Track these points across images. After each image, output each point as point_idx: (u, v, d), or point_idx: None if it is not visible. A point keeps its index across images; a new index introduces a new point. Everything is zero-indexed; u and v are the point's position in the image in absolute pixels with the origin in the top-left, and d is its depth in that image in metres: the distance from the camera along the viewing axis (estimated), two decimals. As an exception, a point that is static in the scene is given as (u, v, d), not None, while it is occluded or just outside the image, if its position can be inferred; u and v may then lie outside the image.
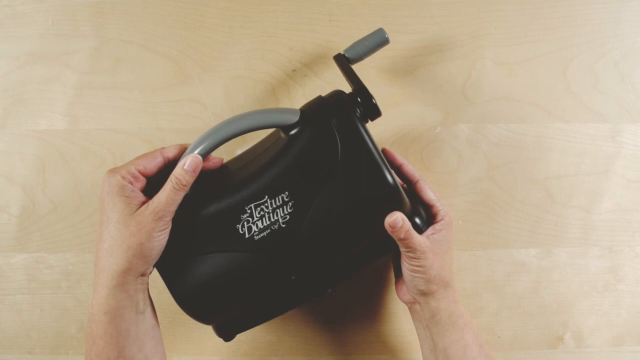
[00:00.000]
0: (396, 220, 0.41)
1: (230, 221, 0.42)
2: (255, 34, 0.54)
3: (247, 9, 0.54)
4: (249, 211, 0.42)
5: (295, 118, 0.42)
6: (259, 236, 0.42)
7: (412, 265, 0.44)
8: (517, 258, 0.55)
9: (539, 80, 0.55)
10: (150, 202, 0.40)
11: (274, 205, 0.42)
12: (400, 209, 0.42)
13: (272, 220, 0.42)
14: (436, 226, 0.46)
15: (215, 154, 0.43)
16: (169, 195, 0.40)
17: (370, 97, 0.43)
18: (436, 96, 0.54)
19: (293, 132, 0.42)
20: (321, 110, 0.43)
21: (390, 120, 0.54)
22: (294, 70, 0.54)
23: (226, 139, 0.41)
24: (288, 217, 0.41)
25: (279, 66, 0.54)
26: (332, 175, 0.41)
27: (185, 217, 0.42)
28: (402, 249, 0.43)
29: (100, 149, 0.55)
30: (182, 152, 0.43)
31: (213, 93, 0.54)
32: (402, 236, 0.42)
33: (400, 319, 0.55)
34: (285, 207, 0.42)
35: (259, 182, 0.42)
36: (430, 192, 0.47)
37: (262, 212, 0.42)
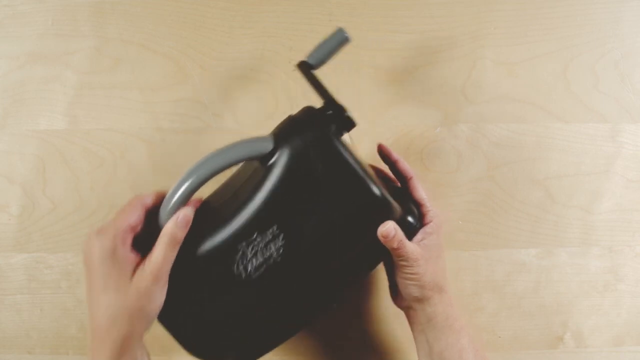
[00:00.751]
0: (388, 229, 0.41)
1: (224, 263, 0.41)
2: (255, 34, 0.54)
3: (247, 9, 0.54)
4: (241, 250, 0.41)
5: (269, 146, 0.41)
6: (257, 273, 0.41)
7: (405, 273, 0.44)
8: (517, 258, 0.55)
9: (539, 80, 0.55)
10: (147, 263, 0.39)
11: (266, 241, 0.41)
12: (391, 216, 0.42)
13: (267, 255, 0.41)
14: (426, 229, 0.45)
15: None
16: (165, 253, 0.39)
17: (342, 110, 0.42)
18: (436, 96, 0.54)
19: (269, 161, 0.41)
20: (293, 132, 0.41)
21: (390, 120, 0.54)
22: (294, 70, 0.54)
23: (203, 182, 0.40)
24: (282, 249, 0.41)
25: (279, 66, 0.54)
26: (317, 197, 0.41)
27: (178, 264, 0.40)
28: (395, 258, 0.43)
29: (100, 149, 0.55)
30: (160, 198, 0.41)
31: (213, 93, 0.54)
32: (394, 246, 0.41)
33: (398, 324, 0.55)
34: (276, 240, 0.41)
35: (244, 219, 0.41)
36: (421, 191, 0.47)
37: (254, 249, 0.41)
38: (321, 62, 0.46)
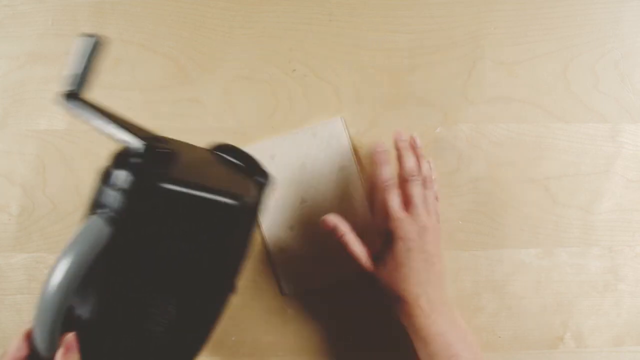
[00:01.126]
0: (328, 221, 0.47)
1: (133, 344, 0.39)
2: (255, 34, 0.54)
3: (247, 9, 0.54)
4: (144, 328, 0.39)
5: (104, 231, 0.33)
6: (166, 332, 0.40)
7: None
8: (517, 258, 0.55)
9: (539, 80, 0.55)
10: None
11: (160, 310, 0.39)
12: (250, 203, 0.42)
13: (167, 316, 0.39)
14: (387, 238, 0.47)
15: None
16: None
17: (150, 144, 0.35)
18: (436, 96, 0.54)
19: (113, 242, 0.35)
20: (111, 193, 0.34)
21: (390, 121, 0.54)
22: (294, 70, 0.54)
23: (64, 308, 0.34)
24: (177, 304, 0.39)
25: (279, 66, 0.54)
26: (181, 241, 0.37)
27: None
28: None
29: (100, 149, 0.55)
30: (28, 338, 0.35)
31: (213, 93, 0.54)
32: (340, 238, 0.45)
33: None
34: (169, 301, 0.39)
35: (127, 306, 0.38)
36: (392, 200, 0.47)
37: (153, 320, 0.39)
38: (84, 81, 0.37)
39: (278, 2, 0.54)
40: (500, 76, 0.55)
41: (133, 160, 0.35)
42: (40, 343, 0.34)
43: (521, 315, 0.56)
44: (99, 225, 0.33)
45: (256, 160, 0.45)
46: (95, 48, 0.36)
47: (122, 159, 0.36)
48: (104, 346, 0.37)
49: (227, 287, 0.44)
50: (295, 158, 0.52)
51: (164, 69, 0.54)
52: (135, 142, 0.35)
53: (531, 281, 0.55)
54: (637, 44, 0.55)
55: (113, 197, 0.34)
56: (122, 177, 0.34)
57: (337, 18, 0.54)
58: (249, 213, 0.43)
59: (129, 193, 0.34)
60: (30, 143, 0.55)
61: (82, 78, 0.36)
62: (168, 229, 0.36)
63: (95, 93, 0.55)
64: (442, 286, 0.47)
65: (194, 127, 0.54)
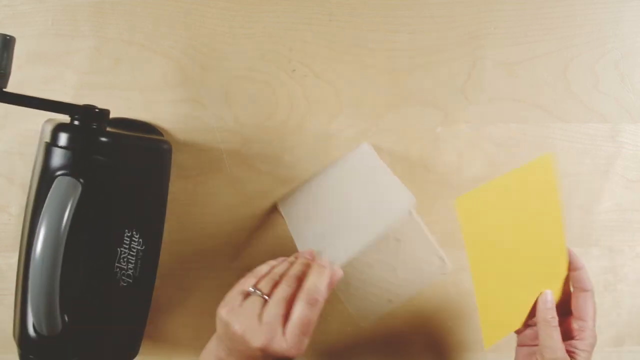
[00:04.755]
0: (546, 298, 0.46)
1: (110, 285, 0.44)
2: (255, 34, 0.54)
3: (247, 9, 0.54)
4: (118, 268, 0.44)
5: (77, 186, 0.40)
6: (138, 271, 0.45)
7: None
8: (517, 258, 0.55)
9: (539, 80, 0.55)
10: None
11: (129, 245, 0.44)
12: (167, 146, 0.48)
13: (135, 253, 0.44)
14: (578, 344, 0.45)
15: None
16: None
17: (77, 108, 0.42)
18: (436, 96, 0.54)
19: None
20: (73, 157, 0.41)
21: (390, 121, 0.54)
22: (294, 70, 0.54)
23: (59, 260, 0.40)
24: (140, 239, 0.44)
25: (279, 66, 0.54)
26: (136, 179, 0.44)
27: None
28: (540, 338, 0.45)
29: (100, 149, 0.55)
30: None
31: (213, 93, 0.54)
32: (548, 318, 0.45)
33: (402, 320, 0.55)
34: (133, 236, 0.44)
35: (101, 244, 0.43)
36: (590, 308, 0.46)
37: (126, 259, 0.44)
38: (5, 75, 0.43)
39: (278, 2, 0.54)
40: (500, 76, 0.55)
41: (74, 122, 0.41)
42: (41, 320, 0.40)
43: (521, 315, 0.56)
44: (70, 182, 0.39)
45: (153, 125, 0.52)
46: (9, 43, 0.42)
47: (64, 125, 0.41)
48: (86, 294, 0.43)
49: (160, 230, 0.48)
50: (332, 191, 0.52)
51: (164, 69, 0.54)
52: (70, 110, 0.42)
53: (531, 281, 0.55)
54: (637, 44, 0.55)
55: (66, 156, 0.40)
56: (70, 135, 0.40)
57: (337, 18, 0.54)
58: (168, 158, 0.49)
59: (79, 149, 0.40)
60: (30, 143, 0.55)
61: (4, 72, 0.42)
62: (120, 171, 0.42)
63: (95, 93, 0.55)
64: None
65: (194, 127, 0.54)
